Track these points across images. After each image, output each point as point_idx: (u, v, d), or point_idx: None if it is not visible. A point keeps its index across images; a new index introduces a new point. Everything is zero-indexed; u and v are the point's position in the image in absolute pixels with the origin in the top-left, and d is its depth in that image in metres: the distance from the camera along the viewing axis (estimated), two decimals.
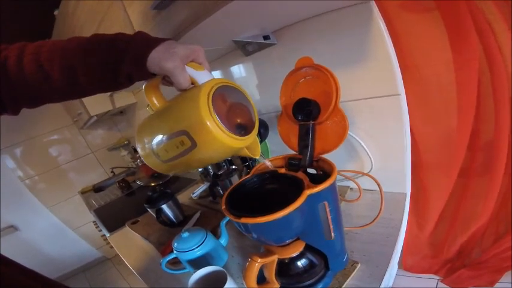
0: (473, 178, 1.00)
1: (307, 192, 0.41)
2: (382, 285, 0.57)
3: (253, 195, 0.51)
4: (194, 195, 1.21)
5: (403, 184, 0.85)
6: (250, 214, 0.40)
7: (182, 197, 1.29)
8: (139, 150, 0.50)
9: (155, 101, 0.51)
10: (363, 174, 0.79)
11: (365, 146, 0.83)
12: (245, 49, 0.80)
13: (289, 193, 0.47)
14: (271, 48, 0.81)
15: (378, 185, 0.72)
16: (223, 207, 0.45)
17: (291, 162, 0.55)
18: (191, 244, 0.67)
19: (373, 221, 0.73)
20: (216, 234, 0.84)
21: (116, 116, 2.24)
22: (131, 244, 1.00)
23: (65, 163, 2.26)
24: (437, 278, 1.38)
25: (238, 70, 1.01)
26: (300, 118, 0.52)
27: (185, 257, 0.67)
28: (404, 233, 0.76)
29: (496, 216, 1.05)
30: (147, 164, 0.50)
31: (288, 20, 0.71)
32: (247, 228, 0.43)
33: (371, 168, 0.86)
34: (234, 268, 0.72)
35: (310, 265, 0.53)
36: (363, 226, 0.71)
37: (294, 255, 0.52)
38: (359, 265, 0.62)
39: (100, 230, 1.33)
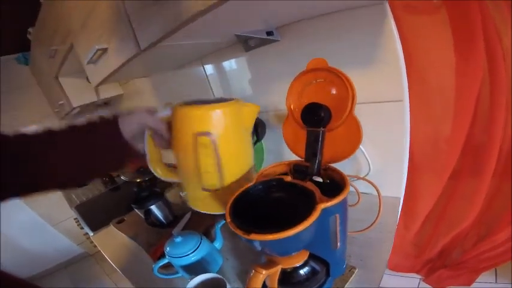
0: (462, 181, 1.02)
1: (321, 207, 0.39)
2: None
3: (257, 203, 0.48)
4: (184, 193, 1.16)
5: (398, 189, 0.85)
6: (259, 229, 0.37)
7: (171, 195, 1.24)
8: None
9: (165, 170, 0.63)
10: (361, 178, 0.77)
11: (364, 150, 0.82)
12: (246, 44, 0.76)
13: (298, 203, 0.45)
14: (273, 45, 0.78)
15: (377, 190, 0.71)
16: (229, 219, 0.42)
17: (297, 170, 0.52)
18: (185, 249, 0.63)
19: (371, 225, 0.73)
20: (208, 236, 0.81)
21: (100, 107, 2.13)
22: (117, 244, 0.95)
23: None
24: (419, 277, 1.43)
25: (235, 65, 0.97)
26: (309, 124, 0.49)
27: (179, 262, 0.64)
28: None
29: (480, 219, 1.08)
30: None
31: (295, 17, 0.68)
32: (251, 242, 0.40)
33: (368, 172, 0.85)
34: (229, 272, 0.69)
35: (313, 273, 0.52)
36: (361, 231, 0.70)
37: (297, 265, 0.50)
38: (356, 270, 0.61)
39: (82, 228, 1.27)
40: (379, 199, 0.69)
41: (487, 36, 0.70)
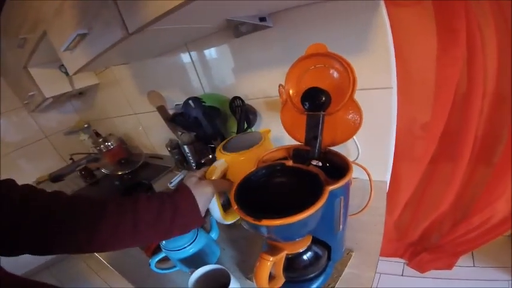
0: (440, 167, 1.05)
1: (329, 189, 0.39)
2: None
3: (260, 189, 0.47)
4: (172, 184, 1.14)
5: (384, 173, 0.88)
6: (267, 214, 0.37)
7: (158, 187, 1.21)
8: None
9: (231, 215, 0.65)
10: (353, 163, 0.79)
11: (354, 136, 0.83)
12: (238, 30, 0.74)
13: (302, 187, 0.45)
14: (264, 32, 0.77)
15: (368, 174, 0.73)
16: (235, 207, 0.41)
17: (297, 154, 0.52)
18: (182, 242, 0.62)
19: (363, 209, 0.75)
20: (202, 227, 0.80)
21: (74, 97, 2.02)
22: None
23: (14, 150, 1.98)
24: (404, 261, 1.48)
25: (224, 52, 0.94)
26: (309, 108, 0.49)
27: (177, 256, 0.62)
28: None
29: (456, 203, 1.13)
30: None
31: (289, 3, 0.67)
32: (260, 228, 0.40)
33: (357, 157, 0.87)
34: (228, 262, 0.69)
35: (315, 258, 0.53)
36: (355, 214, 0.72)
37: (301, 250, 0.50)
38: (353, 253, 0.63)
39: None
40: (370, 183, 0.71)
41: (469, 29, 0.72)
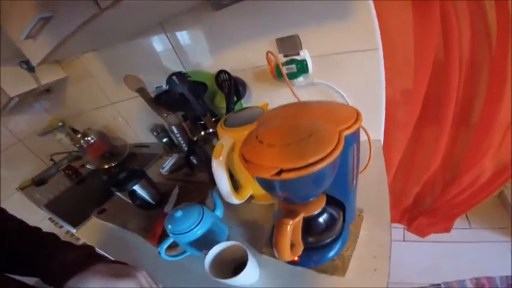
0: (425, 130, 1.07)
1: (345, 133, 0.37)
2: None
3: None
4: (164, 170, 1.10)
5: (378, 131, 0.89)
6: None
7: (150, 175, 1.17)
8: None
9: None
10: None
11: (346, 97, 0.83)
12: (219, 2, 0.68)
13: None
14: (245, 3, 0.73)
15: (367, 133, 0.73)
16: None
17: None
18: (189, 224, 0.58)
19: (365, 167, 0.75)
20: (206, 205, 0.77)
21: (41, 96, 1.87)
22: (106, 235, 0.88)
23: None
24: (403, 227, 1.51)
25: (205, 27, 0.88)
26: None
27: (185, 239, 0.59)
28: None
29: (444, 164, 1.15)
30: None
31: None
32: (277, 187, 0.38)
33: None
34: (238, 239, 0.66)
35: (331, 219, 0.51)
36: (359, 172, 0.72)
37: (316, 212, 0.49)
38: (364, 214, 0.63)
39: (61, 227, 1.15)
40: (369, 139, 0.73)
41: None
